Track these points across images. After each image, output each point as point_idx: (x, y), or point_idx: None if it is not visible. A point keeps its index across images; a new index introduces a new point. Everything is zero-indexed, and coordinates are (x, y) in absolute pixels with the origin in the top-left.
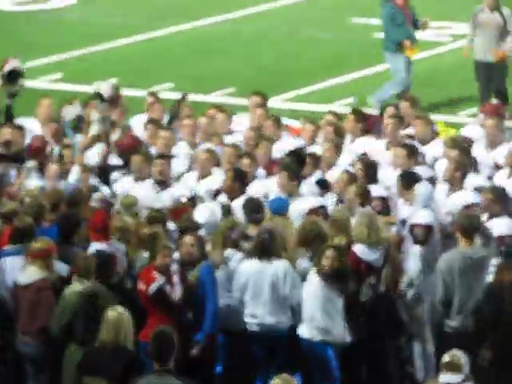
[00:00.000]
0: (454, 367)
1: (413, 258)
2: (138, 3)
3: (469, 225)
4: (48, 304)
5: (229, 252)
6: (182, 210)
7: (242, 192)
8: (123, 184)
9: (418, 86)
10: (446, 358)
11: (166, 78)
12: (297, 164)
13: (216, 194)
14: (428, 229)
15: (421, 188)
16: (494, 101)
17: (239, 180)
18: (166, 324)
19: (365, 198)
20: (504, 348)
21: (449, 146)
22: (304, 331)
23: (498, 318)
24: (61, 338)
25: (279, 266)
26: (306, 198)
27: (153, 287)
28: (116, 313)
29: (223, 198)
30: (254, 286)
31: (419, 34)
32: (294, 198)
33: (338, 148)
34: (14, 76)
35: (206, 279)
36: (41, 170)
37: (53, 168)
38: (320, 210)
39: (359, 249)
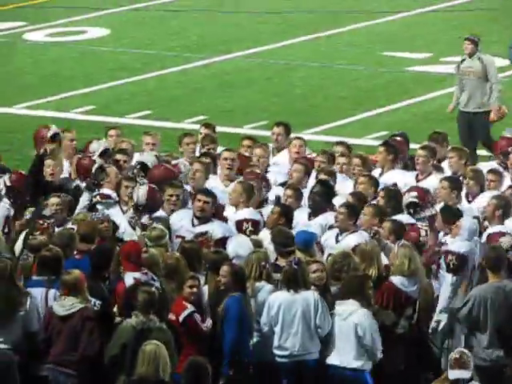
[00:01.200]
0: (463, 364)
1: (444, 286)
2: (170, 36)
3: (496, 258)
4: (91, 333)
5: (259, 284)
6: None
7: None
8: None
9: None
10: (454, 355)
11: (197, 110)
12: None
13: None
14: (461, 258)
15: (465, 222)
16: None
17: (285, 216)
18: (196, 354)
19: (399, 233)
20: None
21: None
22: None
23: None
24: (110, 369)
25: (309, 296)
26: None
27: (182, 316)
28: (153, 346)
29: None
30: (284, 317)
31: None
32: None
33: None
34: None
35: (229, 309)
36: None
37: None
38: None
39: (398, 280)
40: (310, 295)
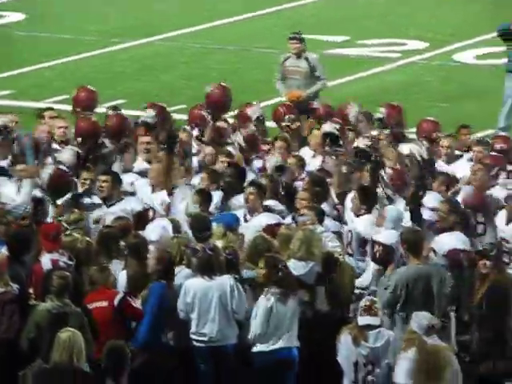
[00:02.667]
0: (372, 311)
1: (367, 274)
2: (89, 20)
3: (415, 241)
4: (11, 316)
5: (178, 268)
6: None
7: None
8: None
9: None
10: (364, 302)
11: (116, 94)
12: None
13: None
14: (388, 250)
15: (390, 212)
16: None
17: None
18: (122, 339)
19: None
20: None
21: None
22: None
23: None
24: (27, 352)
25: (224, 281)
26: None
27: (117, 300)
28: (68, 333)
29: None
30: (200, 304)
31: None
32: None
33: None
34: None
35: (151, 295)
36: None
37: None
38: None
39: (291, 264)
40: (226, 281)
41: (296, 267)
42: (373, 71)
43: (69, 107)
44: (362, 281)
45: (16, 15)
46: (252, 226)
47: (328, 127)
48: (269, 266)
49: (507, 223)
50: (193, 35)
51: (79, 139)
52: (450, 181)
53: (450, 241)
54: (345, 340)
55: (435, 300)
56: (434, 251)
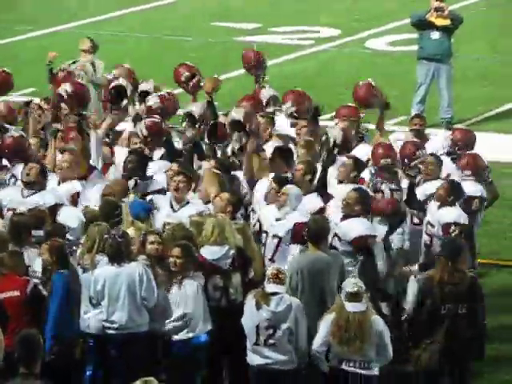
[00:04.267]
0: (278, 279)
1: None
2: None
3: (316, 230)
4: None
5: (100, 257)
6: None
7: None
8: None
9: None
10: (272, 270)
11: (26, 83)
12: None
13: None
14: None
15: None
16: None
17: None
18: (35, 327)
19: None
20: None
21: None
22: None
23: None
24: None
25: (133, 269)
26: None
27: (29, 288)
28: None
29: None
30: (109, 291)
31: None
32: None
33: None
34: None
35: (54, 286)
36: None
37: None
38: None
39: (203, 250)
40: (134, 268)
41: (210, 252)
42: (284, 58)
43: None
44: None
45: None
46: (183, 216)
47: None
48: (185, 253)
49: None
50: (100, 24)
51: None
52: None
53: (357, 227)
54: (249, 304)
55: (328, 289)
56: (338, 237)
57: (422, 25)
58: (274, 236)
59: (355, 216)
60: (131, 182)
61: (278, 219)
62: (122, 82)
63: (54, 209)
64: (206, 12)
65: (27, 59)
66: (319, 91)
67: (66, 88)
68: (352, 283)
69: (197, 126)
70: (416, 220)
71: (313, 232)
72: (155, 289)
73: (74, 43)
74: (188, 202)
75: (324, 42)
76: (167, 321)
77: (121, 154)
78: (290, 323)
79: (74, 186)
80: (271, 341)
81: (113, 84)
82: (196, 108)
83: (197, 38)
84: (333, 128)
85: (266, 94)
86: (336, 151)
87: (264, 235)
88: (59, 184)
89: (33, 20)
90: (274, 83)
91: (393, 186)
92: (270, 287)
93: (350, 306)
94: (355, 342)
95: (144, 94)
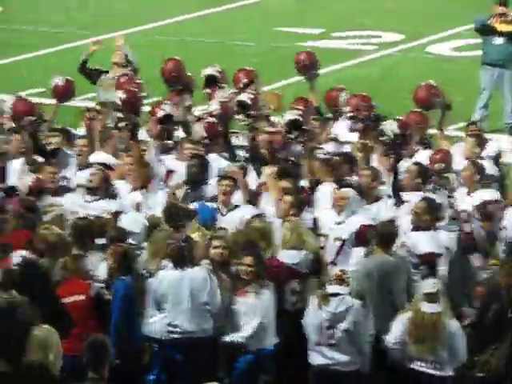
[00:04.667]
0: (341, 281)
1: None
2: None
3: (386, 233)
4: None
5: (165, 262)
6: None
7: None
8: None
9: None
10: (336, 272)
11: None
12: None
13: None
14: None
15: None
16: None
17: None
18: (101, 330)
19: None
20: None
21: None
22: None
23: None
24: None
25: (196, 273)
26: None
27: (93, 292)
28: (43, 331)
29: None
30: (172, 295)
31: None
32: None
33: None
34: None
35: (116, 292)
36: None
37: None
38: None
39: (281, 254)
40: (197, 272)
41: (288, 256)
42: (347, 64)
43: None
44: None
45: None
46: (234, 220)
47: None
48: (258, 261)
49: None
50: (165, 28)
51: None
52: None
53: (426, 243)
54: (311, 304)
55: (396, 291)
56: (406, 247)
57: (485, 30)
58: (336, 239)
59: (425, 227)
60: (181, 191)
61: (338, 223)
62: (168, 110)
63: (117, 215)
64: (271, 16)
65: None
66: (383, 96)
67: (119, 95)
68: (430, 284)
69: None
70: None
71: (382, 236)
72: (218, 294)
73: (140, 48)
74: (236, 206)
75: (387, 46)
76: (240, 331)
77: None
78: (349, 324)
79: (137, 195)
80: (332, 341)
81: (160, 115)
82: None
83: (260, 43)
84: (387, 123)
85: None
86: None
87: (323, 238)
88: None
89: (93, 23)
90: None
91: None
92: (331, 288)
93: (427, 307)
94: (429, 342)
95: (210, 79)
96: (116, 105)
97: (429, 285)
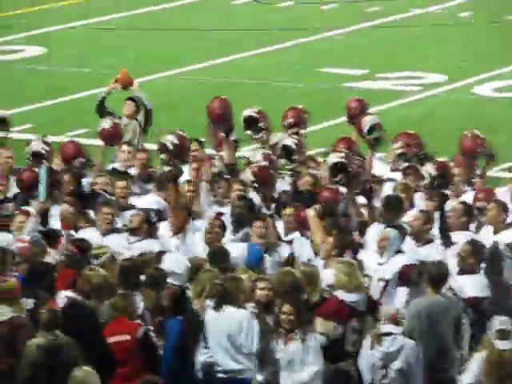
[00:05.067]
0: (395, 320)
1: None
2: (106, 54)
3: (437, 274)
4: (25, 342)
5: (208, 302)
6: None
7: None
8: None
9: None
10: (389, 311)
11: None
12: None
13: None
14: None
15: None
16: None
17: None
18: (147, 369)
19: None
20: None
21: None
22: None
23: None
24: None
25: (235, 314)
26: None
27: (140, 333)
28: (83, 373)
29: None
30: (213, 335)
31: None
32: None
33: None
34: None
35: (169, 332)
36: None
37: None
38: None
39: (339, 293)
40: (237, 314)
41: (347, 296)
42: (392, 104)
43: (87, 141)
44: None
45: (36, 49)
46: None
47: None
48: (297, 308)
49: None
50: (210, 69)
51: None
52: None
53: (473, 287)
54: (365, 343)
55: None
56: (452, 290)
57: None
58: (380, 279)
59: (470, 270)
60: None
61: (381, 264)
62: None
63: (159, 256)
64: (315, 57)
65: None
66: (425, 137)
67: (170, 139)
68: (501, 321)
69: None
70: None
71: (433, 276)
72: (255, 338)
73: (179, 90)
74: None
75: (431, 87)
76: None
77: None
78: (402, 364)
79: (174, 241)
80: (385, 381)
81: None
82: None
83: (304, 83)
84: (426, 165)
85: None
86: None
87: (367, 279)
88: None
89: (138, 67)
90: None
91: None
92: (384, 327)
93: (500, 344)
94: (510, 380)
95: (250, 120)
96: (165, 148)
97: (501, 322)
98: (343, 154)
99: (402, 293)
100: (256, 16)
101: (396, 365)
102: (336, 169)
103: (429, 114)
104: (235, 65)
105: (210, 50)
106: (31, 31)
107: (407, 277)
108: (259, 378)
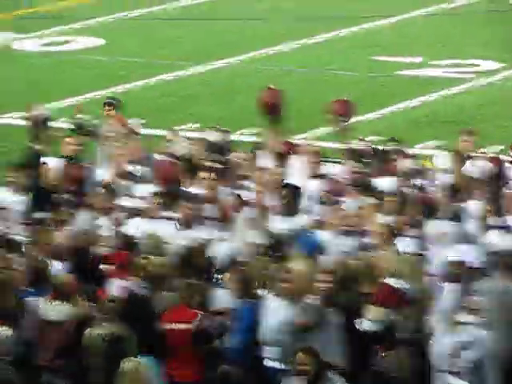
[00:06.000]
0: (472, 310)
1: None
2: (163, 44)
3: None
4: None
5: (261, 292)
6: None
7: None
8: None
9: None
10: (468, 302)
11: (190, 117)
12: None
13: None
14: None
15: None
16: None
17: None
18: (204, 361)
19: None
20: None
21: None
22: None
23: None
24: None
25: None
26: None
27: (195, 323)
28: (132, 364)
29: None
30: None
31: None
32: None
33: None
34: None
35: (243, 315)
36: None
37: None
38: None
39: (393, 280)
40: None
41: (402, 283)
42: (445, 92)
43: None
44: None
45: (92, 40)
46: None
47: None
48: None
49: None
50: (268, 58)
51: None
52: None
53: None
54: (439, 329)
55: None
56: None
57: None
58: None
59: None
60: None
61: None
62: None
63: (208, 243)
64: (370, 46)
65: (190, 94)
66: (481, 124)
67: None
68: None
69: None
70: None
71: (505, 264)
72: None
73: (236, 78)
74: None
75: (485, 75)
76: None
77: None
78: (472, 353)
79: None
80: (455, 369)
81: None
82: None
83: (356, 72)
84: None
85: None
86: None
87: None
88: None
89: (192, 55)
90: (433, 116)
91: None
92: (462, 316)
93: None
94: None
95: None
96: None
97: None
98: None
99: (452, 287)
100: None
101: (467, 354)
102: None
103: (484, 102)
104: (289, 53)
105: (266, 38)
106: (84, 21)
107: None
108: None
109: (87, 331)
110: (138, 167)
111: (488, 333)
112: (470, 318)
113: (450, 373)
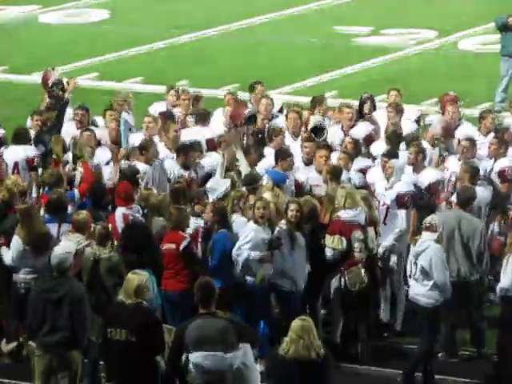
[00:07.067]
0: (431, 228)
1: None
2: (158, 16)
3: (467, 197)
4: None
5: (234, 217)
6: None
7: None
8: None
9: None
10: (429, 220)
11: (181, 76)
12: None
13: None
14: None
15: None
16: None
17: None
18: (191, 277)
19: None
20: None
21: None
22: None
23: None
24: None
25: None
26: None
27: (182, 245)
28: (138, 275)
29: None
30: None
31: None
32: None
33: None
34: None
35: (217, 243)
36: None
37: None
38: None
39: (340, 213)
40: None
41: (347, 214)
42: (390, 57)
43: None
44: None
45: (101, 12)
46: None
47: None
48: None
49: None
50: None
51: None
52: None
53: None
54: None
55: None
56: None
57: (504, 28)
58: (384, 204)
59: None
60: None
61: (387, 189)
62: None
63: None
64: (327, 17)
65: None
66: (422, 86)
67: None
68: None
69: None
70: None
71: (461, 198)
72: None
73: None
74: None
75: (423, 42)
76: None
77: None
78: (423, 262)
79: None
80: (415, 276)
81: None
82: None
83: (320, 40)
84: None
85: None
86: None
87: (377, 203)
88: None
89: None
90: (377, 80)
91: None
92: (425, 235)
93: (425, 235)
94: None
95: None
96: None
97: None
98: None
99: (400, 215)
100: None
101: (420, 262)
102: None
103: (423, 67)
104: (263, 26)
105: (240, 12)
106: None
107: (402, 201)
108: None
109: (85, 253)
110: None
111: (438, 245)
112: (426, 235)
113: (412, 279)
